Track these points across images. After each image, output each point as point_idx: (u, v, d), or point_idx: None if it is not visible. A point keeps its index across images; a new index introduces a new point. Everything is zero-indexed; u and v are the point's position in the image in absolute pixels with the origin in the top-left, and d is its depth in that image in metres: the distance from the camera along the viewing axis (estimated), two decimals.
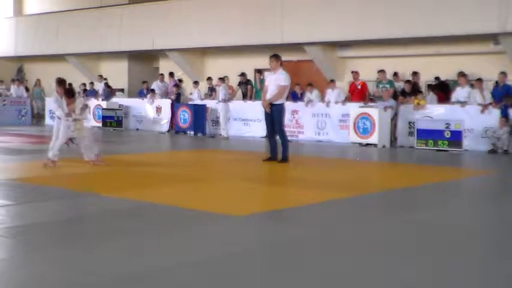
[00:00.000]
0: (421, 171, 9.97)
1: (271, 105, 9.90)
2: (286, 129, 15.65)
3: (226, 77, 17.75)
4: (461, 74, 14.10)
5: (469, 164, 11.29)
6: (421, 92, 14.92)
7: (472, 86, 14.37)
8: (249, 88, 18.18)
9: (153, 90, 19.81)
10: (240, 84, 18.32)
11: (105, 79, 21.98)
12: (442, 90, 15.17)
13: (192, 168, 9.74)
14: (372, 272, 3.87)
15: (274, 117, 9.95)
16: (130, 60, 23.99)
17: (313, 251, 4.40)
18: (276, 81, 9.93)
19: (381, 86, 15.28)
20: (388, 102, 14.35)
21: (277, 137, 10.15)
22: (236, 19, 18.95)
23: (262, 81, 16.93)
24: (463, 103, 13.52)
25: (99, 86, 21.80)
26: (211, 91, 18.72)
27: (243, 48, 19.60)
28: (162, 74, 20.62)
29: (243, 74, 18.30)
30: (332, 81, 16.42)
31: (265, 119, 10.24)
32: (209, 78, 19.24)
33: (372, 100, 15.24)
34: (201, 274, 3.73)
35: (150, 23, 21.12)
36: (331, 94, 15.87)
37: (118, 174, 8.44)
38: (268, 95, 9.96)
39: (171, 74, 20.27)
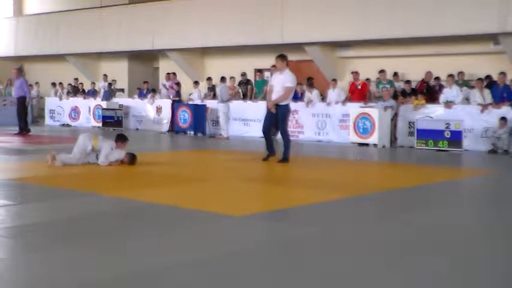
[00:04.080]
0: (421, 171, 9.97)
1: (277, 105, 9.86)
2: None
3: (232, 77, 17.76)
4: (449, 75, 14.19)
5: (469, 164, 11.29)
6: (422, 92, 14.93)
7: (471, 86, 14.44)
8: (249, 88, 18.19)
9: (153, 90, 19.82)
10: (240, 84, 18.32)
11: (105, 75, 22.00)
12: (429, 93, 15.15)
13: (192, 168, 9.74)
14: (372, 272, 3.87)
15: (278, 117, 9.93)
16: (130, 60, 24.01)
17: (313, 251, 4.40)
18: (282, 81, 9.86)
19: (381, 86, 15.28)
20: (388, 102, 14.36)
21: (278, 136, 10.11)
22: (236, 19, 18.96)
23: (259, 83, 16.96)
24: (450, 103, 13.54)
25: (101, 86, 21.81)
26: (211, 91, 18.72)
27: (243, 48, 19.61)
28: (169, 74, 20.14)
29: (243, 74, 18.32)
30: (334, 80, 16.39)
31: (266, 116, 10.14)
32: (209, 79, 19.24)
33: (373, 100, 15.25)
34: (201, 274, 3.73)
35: (150, 23, 21.14)
36: (332, 94, 15.87)
37: (118, 174, 8.44)
38: (274, 96, 9.90)
39: (173, 74, 20.24)
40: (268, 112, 10.04)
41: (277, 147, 10.31)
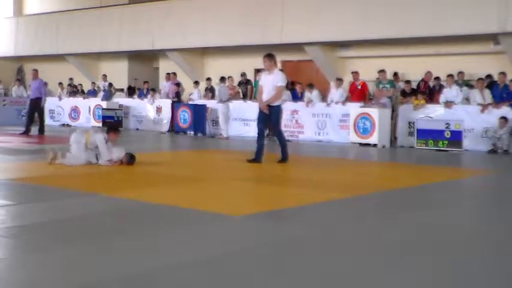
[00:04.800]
0: (421, 171, 9.97)
1: (269, 106, 9.70)
2: (286, 129, 15.79)
3: (230, 77, 17.77)
4: (449, 75, 14.19)
5: (469, 164, 11.29)
6: (422, 92, 14.94)
7: (471, 86, 14.46)
8: (249, 88, 18.20)
9: (153, 90, 19.82)
10: (240, 84, 18.34)
11: (105, 75, 21.99)
12: (429, 93, 15.16)
13: (192, 168, 9.74)
14: (372, 272, 3.87)
15: (271, 118, 9.76)
16: (130, 60, 24.01)
17: (313, 251, 4.40)
18: (273, 81, 9.67)
19: (381, 86, 15.28)
20: (382, 100, 14.29)
21: (275, 138, 10.03)
22: (236, 19, 18.97)
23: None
24: (450, 103, 13.54)
25: (101, 86, 21.81)
26: (210, 92, 18.73)
27: (243, 48, 19.62)
28: (169, 74, 20.23)
29: (243, 74, 18.34)
30: (339, 80, 16.39)
31: (259, 119, 9.94)
32: (208, 79, 19.27)
33: (371, 100, 15.26)
34: (201, 274, 3.73)
35: (150, 23, 21.14)
36: (335, 93, 15.88)
37: (118, 174, 8.44)
38: (266, 96, 9.71)
39: (173, 74, 20.24)
40: (261, 113, 9.80)
41: (275, 148, 10.29)
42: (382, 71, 15.37)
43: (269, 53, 9.96)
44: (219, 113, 16.64)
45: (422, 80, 15.51)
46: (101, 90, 21.58)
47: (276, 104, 9.75)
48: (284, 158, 9.82)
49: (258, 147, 9.81)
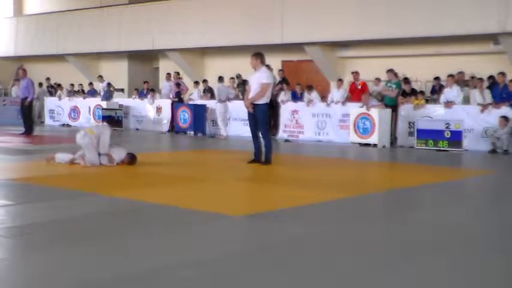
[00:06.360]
0: (421, 171, 9.96)
1: (254, 105, 9.49)
2: (286, 129, 15.79)
3: (232, 78, 17.78)
4: (449, 75, 14.14)
5: (469, 164, 11.29)
6: (422, 92, 14.93)
7: (469, 85, 14.45)
8: (247, 88, 18.18)
9: (153, 90, 19.80)
10: (238, 85, 18.35)
11: (101, 76, 21.97)
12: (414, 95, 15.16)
13: (192, 168, 9.74)
14: (372, 272, 3.87)
15: (257, 118, 9.51)
16: (130, 60, 24.01)
17: (313, 251, 4.40)
18: (258, 79, 9.49)
19: (388, 85, 15.15)
20: (371, 103, 14.19)
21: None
22: (236, 19, 18.97)
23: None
24: (450, 103, 13.52)
25: (101, 87, 21.79)
26: (209, 92, 18.73)
27: (243, 48, 19.61)
28: (169, 73, 20.24)
29: (238, 76, 18.37)
30: (340, 80, 16.37)
31: (249, 120, 9.84)
32: (204, 81, 19.30)
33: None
34: (201, 274, 3.73)
35: (150, 23, 21.15)
36: (336, 93, 15.87)
37: (118, 174, 8.44)
38: (251, 94, 9.54)
39: (176, 73, 20.19)
40: (249, 114, 9.66)
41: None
42: (390, 70, 14.83)
43: (257, 52, 9.82)
44: (217, 112, 16.66)
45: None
46: (101, 91, 21.51)
47: (261, 102, 9.49)
48: (267, 160, 9.51)
49: (255, 149, 9.73)
